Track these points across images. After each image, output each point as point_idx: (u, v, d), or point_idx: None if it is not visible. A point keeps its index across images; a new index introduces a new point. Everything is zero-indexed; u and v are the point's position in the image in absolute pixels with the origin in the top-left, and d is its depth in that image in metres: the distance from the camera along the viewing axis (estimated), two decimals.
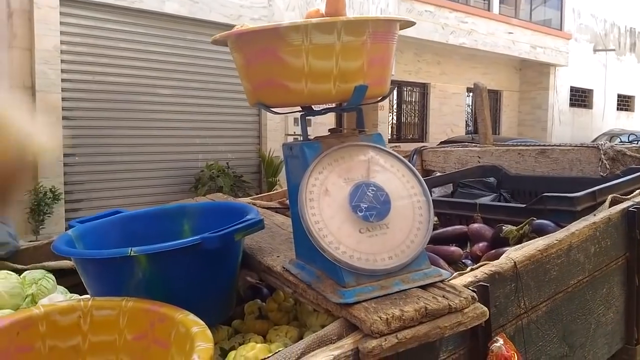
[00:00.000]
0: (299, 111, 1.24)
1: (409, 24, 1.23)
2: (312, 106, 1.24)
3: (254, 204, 2.35)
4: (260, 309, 1.54)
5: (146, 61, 7.43)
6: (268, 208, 2.33)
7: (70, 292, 1.73)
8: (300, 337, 1.32)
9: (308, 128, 1.23)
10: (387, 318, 0.94)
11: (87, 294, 1.35)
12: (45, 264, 1.77)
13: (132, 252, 1.16)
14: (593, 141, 14.44)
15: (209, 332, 1.02)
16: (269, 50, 1.10)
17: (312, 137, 1.20)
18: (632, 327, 1.66)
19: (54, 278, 1.71)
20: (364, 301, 1.01)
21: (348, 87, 1.11)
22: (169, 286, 1.23)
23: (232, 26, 1.16)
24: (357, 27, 1.10)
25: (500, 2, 14.25)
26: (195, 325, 1.05)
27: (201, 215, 1.60)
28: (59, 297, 1.57)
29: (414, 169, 1.18)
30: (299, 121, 1.23)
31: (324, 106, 1.26)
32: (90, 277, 1.30)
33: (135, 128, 7.40)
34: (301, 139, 1.21)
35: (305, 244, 1.14)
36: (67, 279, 1.73)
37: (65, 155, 6.64)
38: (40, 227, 6.21)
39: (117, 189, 7.25)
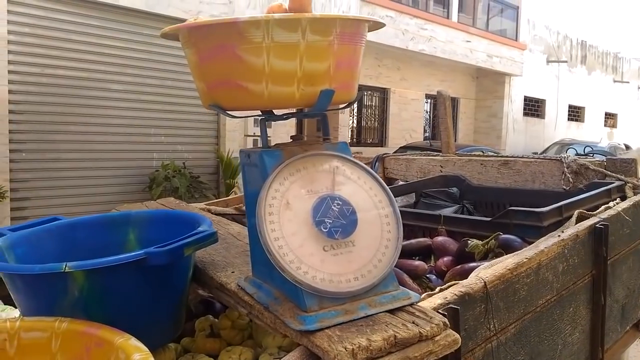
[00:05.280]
0: (259, 115, 1.14)
1: (378, 25, 1.15)
2: (273, 110, 1.14)
3: (209, 210, 2.23)
4: (212, 326, 1.43)
5: (99, 55, 7.13)
6: (224, 215, 2.21)
7: (5, 304, 1.58)
8: None
9: (267, 130, 1.12)
10: (352, 349, 0.85)
11: None
12: None
13: (66, 268, 1.03)
14: (545, 150, 14.86)
15: (152, 359, 0.91)
16: (225, 47, 0.99)
17: (272, 144, 1.10)
18: (597, 347, 1.63)
19: None
20: (327, 328, 0.92)
21: (313, 91, 1.02)
22: (109, 305, 1.10)
23: None
24: (324, 25, 1.00)
25: (459, 11, 14.47)
26: (137, 351, 0.94)
27: (149, 225, 1.46)
28: None
29: (382, 181, 1.09)
30: (259, 126, 1.13)
31: (286, 111, 1.16)
32: (20, 293, 1.16)
33: (87, 124, 7.10)
34: (261, 142, 1.11)
35: (262, 260, 1.04)
36: (1, 287, 1.58)
37: (11, 151, 6.33)
38: None
39: (67, 187, 6.94)
